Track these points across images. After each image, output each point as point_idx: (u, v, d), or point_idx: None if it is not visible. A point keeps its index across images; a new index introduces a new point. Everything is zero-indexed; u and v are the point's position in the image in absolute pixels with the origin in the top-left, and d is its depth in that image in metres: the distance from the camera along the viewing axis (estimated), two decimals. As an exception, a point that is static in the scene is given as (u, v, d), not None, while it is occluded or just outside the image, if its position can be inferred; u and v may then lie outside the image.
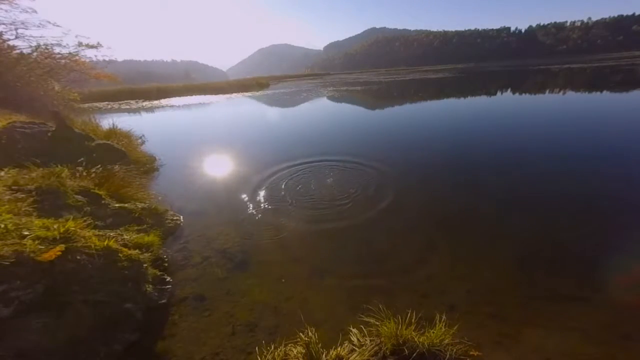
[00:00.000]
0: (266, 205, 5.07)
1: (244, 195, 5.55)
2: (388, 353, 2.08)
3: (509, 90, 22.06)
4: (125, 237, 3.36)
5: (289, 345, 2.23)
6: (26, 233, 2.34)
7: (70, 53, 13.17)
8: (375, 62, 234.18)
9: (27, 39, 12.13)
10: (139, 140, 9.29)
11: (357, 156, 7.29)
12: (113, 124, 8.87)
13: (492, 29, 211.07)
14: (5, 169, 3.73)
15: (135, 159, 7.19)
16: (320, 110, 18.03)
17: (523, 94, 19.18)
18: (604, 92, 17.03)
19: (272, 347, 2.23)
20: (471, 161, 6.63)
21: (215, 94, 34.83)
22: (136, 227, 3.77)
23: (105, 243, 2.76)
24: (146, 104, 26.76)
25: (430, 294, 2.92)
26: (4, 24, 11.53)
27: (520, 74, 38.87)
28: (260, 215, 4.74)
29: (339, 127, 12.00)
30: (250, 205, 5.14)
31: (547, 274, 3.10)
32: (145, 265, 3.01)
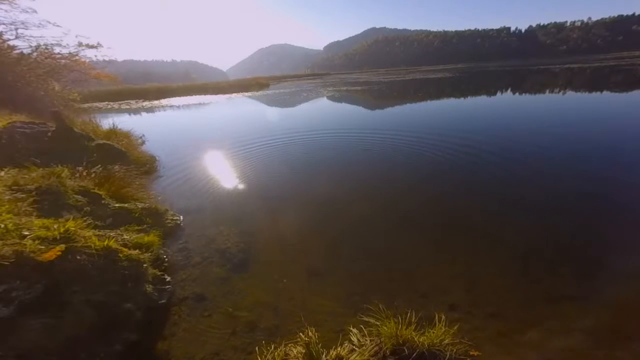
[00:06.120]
0: (266, 205, 5.07)
1: (244, 195, 5.56)
2: (388, 353, 2.08)
3: (510, 90, 22.06)
4: (125, 237, 3.36)
5: (289, 345, 2.23)
6: (26, 233, 2.34)
7: (70, 53, 13.16)
8: (375, 62, 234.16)
9: (27, 39, 12.13)
10: (139, 140, 9.30)
11: (357, 156, 7.28)
12: (113, 124, 8.88)
13: (492, 29, 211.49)
14: (5, 169, 3.72)
15: (135, 159, 7.19)
16: (321, 111, 18.04)
17: (523, 94, 19.19)
18: (605, 92, 17.03)
19: (272, 347, 2.23)
20: (471, 160, 6.62)
21: (215, 94, 34.85)
22: (136, 227, 3.77)
23: (105, 243, 2.76)
24: (146, 104, 26.78)
25: (430, 294, 2.92)
26: (4, 24, 11.53)
27: (520, 74, 38.87)
28: (260, 215, 4.75)
29: (338, 126, 11.99)
30: (251, 204, 5.14)
31: (547, 274, 3.10)
32: (145, 265, 3.01)
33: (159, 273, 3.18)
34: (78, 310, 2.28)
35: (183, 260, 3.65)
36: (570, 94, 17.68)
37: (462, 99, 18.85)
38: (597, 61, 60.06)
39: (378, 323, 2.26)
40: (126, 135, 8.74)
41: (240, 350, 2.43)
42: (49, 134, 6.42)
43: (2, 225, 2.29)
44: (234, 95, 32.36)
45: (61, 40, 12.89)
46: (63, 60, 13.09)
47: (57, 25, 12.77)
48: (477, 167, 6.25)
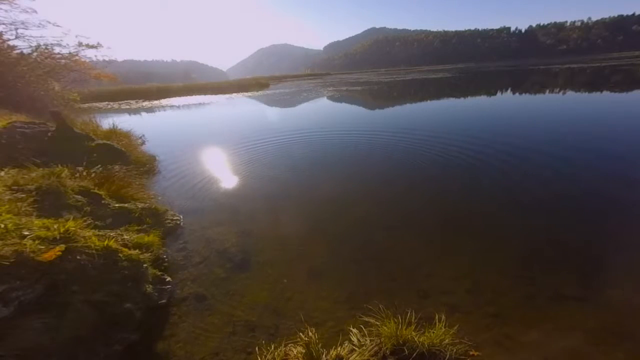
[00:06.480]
0: (266, 205, 5.07)
1: (244, 195, 5.55)
2: (388, 353, 2.08)
3: (509, 90, 22.05)
4: (125, 237, 3.35)
5: (289, 345, 2.23)
6: (26, 233, 2.34)
7: (70, 53, 13.17)
8: (375, 62, 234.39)
9: (27, 39, 12.15)
10: (139, 140, 9.31)
11: (357, 155, 7.26)
12: (113, 124, 8.88)
13: (492, 29, 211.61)
14: (5, 169, 3.72)
15: (135, 159, 7.19)
16: (321, 111, 18.02)
17: (523, 94, 19.17)
18: (605, 92, 17.02)
19: (272, 347, 2.23)
20: (472, 160, 6.62)
21: (215, 94, 34.87)
22: (136, 227, 3.77)
23: (105, 243, 2.75)
24: (146, 104, 26.78)
25: (430, 293, 2.92)
26: (4, 24, 11.54)
27: (520, 74, 38.87)
28: (260, 215, 4.74)
29: (339, 126, 11.99)
30: (251, 204, 5.13)
31: (547, 274, 3.10)
32: (145, 265, 3.01)
33: (159, 273, 3.18)
34: (78, 310, 2.28)
35: (183, 260, 3.65)
36: (570, 93, 17.67)
37: (462, 98, 18.84)
38: (597, 61, 60.04)
39: (378, 323, 2.26)
40: (126, 135, 8.74)
41: (240, 350, 2.43)
42: (49, 134, 6.42)
43: (2, 225, 2.29)
44: (234, 95, 32.36)
45: (61, 40, 12.93)
46: (63, 60, 13.10)
47: (57, 25, 12.79)
48: (480, 164, 6.25)
